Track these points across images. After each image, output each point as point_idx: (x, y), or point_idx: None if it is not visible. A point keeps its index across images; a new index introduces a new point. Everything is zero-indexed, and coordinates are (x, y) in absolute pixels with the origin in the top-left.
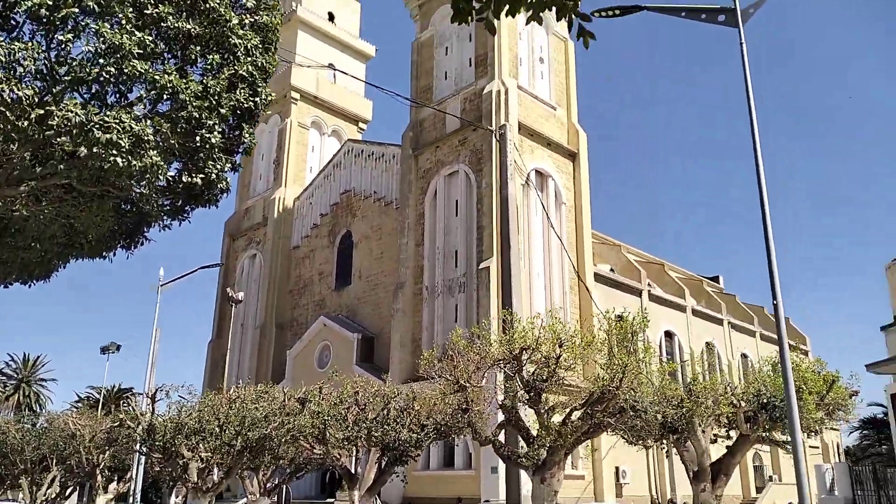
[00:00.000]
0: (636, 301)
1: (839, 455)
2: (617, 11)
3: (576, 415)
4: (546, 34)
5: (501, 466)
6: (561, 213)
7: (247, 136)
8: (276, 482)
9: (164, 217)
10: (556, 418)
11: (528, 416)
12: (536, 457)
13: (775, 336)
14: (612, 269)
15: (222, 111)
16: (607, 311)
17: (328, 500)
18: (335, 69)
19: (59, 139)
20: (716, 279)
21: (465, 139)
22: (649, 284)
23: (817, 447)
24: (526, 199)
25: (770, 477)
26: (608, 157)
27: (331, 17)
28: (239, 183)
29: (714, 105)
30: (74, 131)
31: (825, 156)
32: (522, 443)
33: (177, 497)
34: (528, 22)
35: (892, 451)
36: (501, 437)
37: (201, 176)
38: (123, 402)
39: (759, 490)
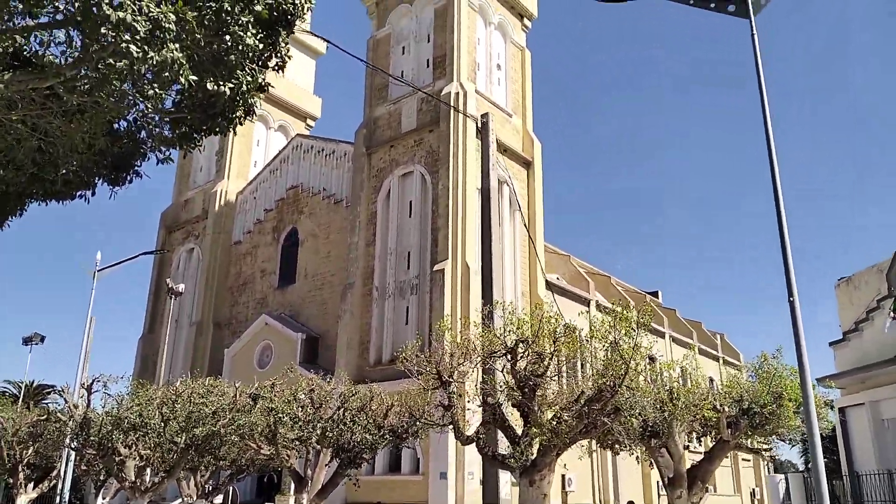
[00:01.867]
0: (584, 311)
1: (773, 469)
2: None
3: (567, 414)
4: (504, 42)
5: (451, 472)
6: (515, 220)
7: (282, 44)
8: (215, 484)
9: (167, 145)
10: (545, 417)
11: (511, 415)
12: (525, 457)
13: (713, 351)
14: (557, 279)
15: (257, 7)
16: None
17: None
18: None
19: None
20: (655, 294)
21: (421, 140)
22: (597, 295)
23: (749, 461)
24: (479, 202)
25: (707, 488)
26: (553, 166)
27: None
28: (178, 173)
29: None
30: (76, 4)
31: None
32: (504, 444)
33: (103, 498)
34: None
35: (837, 465)
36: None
37: (230, 85)
38: (51, 395)
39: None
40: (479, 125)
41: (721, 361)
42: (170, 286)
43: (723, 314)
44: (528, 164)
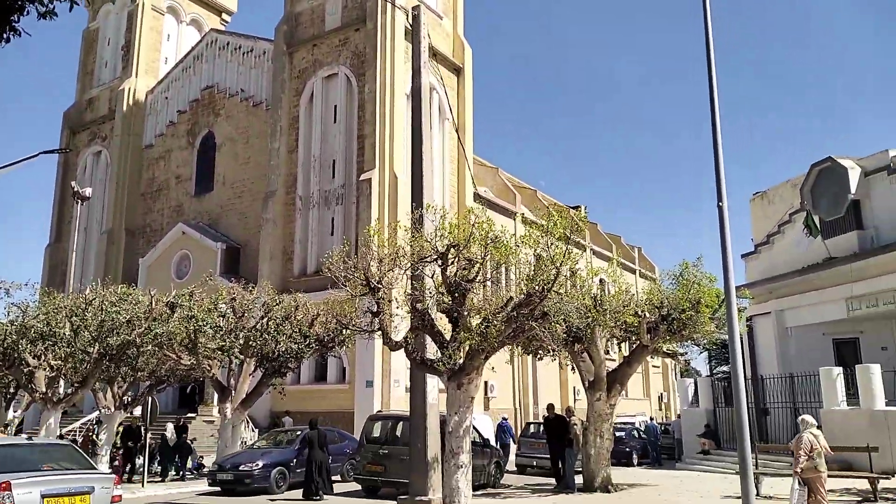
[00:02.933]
0: (511, 224)
1: (679, 375)
2: None
3: (496, 319)
4: None
5: (377, 380)
6: (444, 129)
7: None
8: (133, 395)
9: None
10: (474, 322)
11: (440, 320)
12: (453, 362)
13: (630, 264)
14: (485, 191)
15: None
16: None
17: (189, 415)
18: None
19: None
20: (577, 208)
21: (346, 39)
22: (523, 209)
23: (658, 367)
24: (408, 109)
25: (622, 391)
26: (489, 73)
27: None
28: (80, 70)
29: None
30: None
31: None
32: (432, 349)
33: (15, 411)
34: None
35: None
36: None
37: None
38: None
39: None
40: (410, 18)
41: (638, 274)
42: (75, 189)
43: (640, 229)
44: (458, 71)
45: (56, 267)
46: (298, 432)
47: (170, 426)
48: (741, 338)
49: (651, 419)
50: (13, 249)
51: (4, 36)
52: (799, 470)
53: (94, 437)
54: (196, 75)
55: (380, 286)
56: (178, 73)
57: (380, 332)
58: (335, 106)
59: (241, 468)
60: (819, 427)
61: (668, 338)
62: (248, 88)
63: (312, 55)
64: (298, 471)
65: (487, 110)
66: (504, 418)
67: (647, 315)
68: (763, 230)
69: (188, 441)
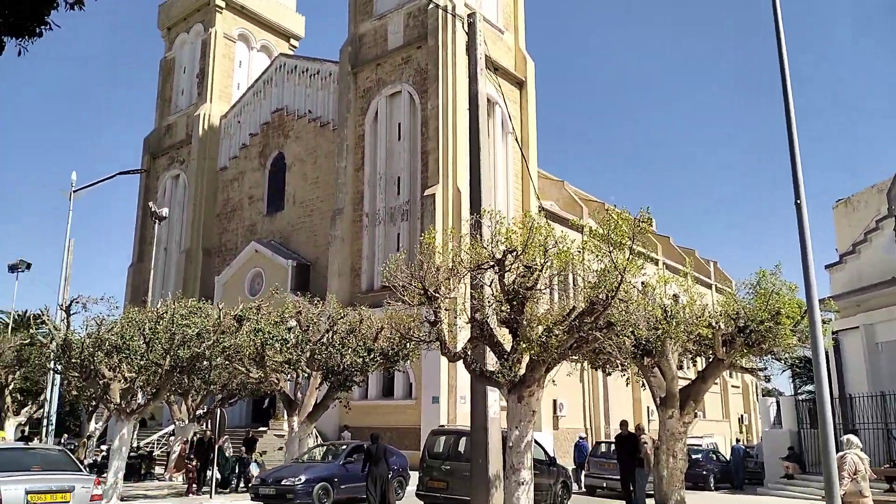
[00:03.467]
0: (578, 237)
1: (758, 395)
2: None
3: (558, 329)
4: None
5: (444, 395)
6: (508, 143)
7: None
8: (207, 409)
9: None
10: (535, 333)
11: (500, 331)
12: (513, 373)
13: (706, 279)
14: (551, 205)
15: None
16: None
17: (261, 429)
18: None
19: None
20: (649, 221)
21: (409, 57)
22: (590, 222)
23: (738, 387)
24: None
25: (696, 413)
26: (553, 87)
27: None
28: (159, 97)
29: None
30: None
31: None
32: (492, 360)
33: (97, 423)
34: None
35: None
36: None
37: None
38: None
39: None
40: (466, 26)
41: (714, 289)
42: (153, 210)
43: (716, 242)
44: (521, 85)
45: (138, 286)
46: (344, 446)
47: (228, 444)
48: (826, 353)
49: (737, 440)
50: (100, 270)
51: (37, 31)
52: (842, 493)
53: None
54: (266, 99)
55: (437, 295)
56: (249, 98)
57: (438, 343)
58: (399, 123)
59: (283, 483)
60: (862, 448)
61: (745, 351)
62: (315, 109)
63: (376, 74)
64: (343, 486)
65: (552, 123)
66: (581, 437)
67: (723, 327)
68: (847, 239)
69: (244, 455)
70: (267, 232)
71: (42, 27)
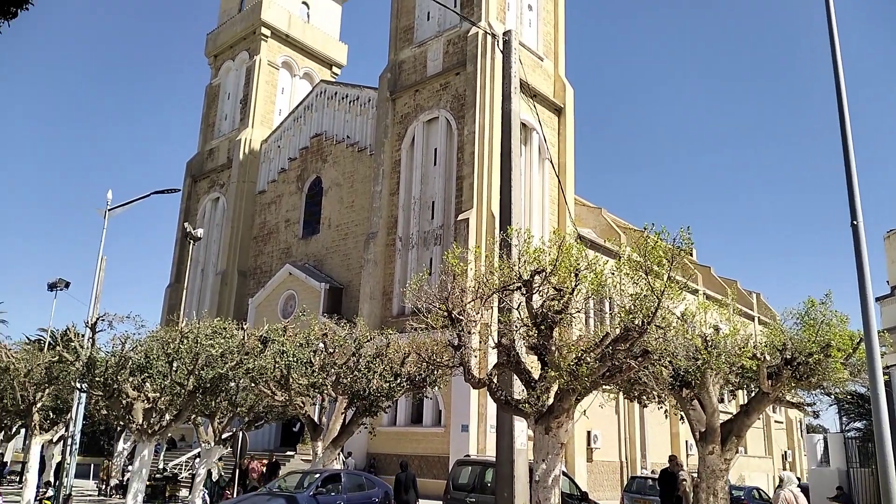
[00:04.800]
0: (613, 263)
1: (804, 432)
2: None
3: (589, 356)
4: None
5: (473, 424)
6: (544, 169)
7: None
8: (234, 431)
9: None
10: (565, 360)
11: (528, 357)
12: (541, 402)
13: (749, 311)
14: (588, 232)
15: None
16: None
17: (288, 452)
18: None
19: None
20: (690, 251)
21: (447, 84)
22: (631, 252)
23: (782, 422)
24: None
25: (738, 449)
26: (595, 115)
27: None
28: (203, 122)
29: (709, 66)
30: None
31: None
32: (519, 388)
33: (125, 443)
34: None
35: (869, 428)
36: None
37: None
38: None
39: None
40: (501, 45)
41: (756, 321)
42: (188, 231)
43: (760, 274)
44: (559, 111)
45: (175, 306)
46: (317, 475)
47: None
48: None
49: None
50: (142, 291)
51: (14, 9)
52: None
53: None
54: (306, 124)
55: (461, 318)
56: (289, 123)
57: (462, 368)
58: (435, 149)
59: None
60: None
61: (792, 385)
62: (353, 135)
63: (414, 100)
64: None
65: (592, 150)
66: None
67: (768, 358)
68: None
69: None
70: (302, 255)
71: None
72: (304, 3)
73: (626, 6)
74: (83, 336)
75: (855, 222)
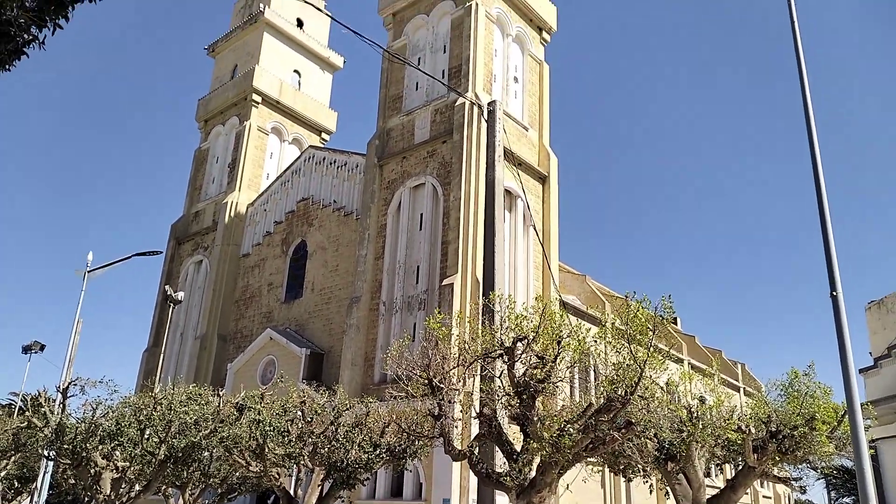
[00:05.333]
0: (596, 329)
1: None
2: None
3: (572, 427)
4: (522, 54)
5: (455, 498)
6: (528, 236)
7: None
8: (204, 503)
9: (36, 21)
10: (547, 431)
11: (510, 428)
12: (523, 476)
13: (734, 381)
14: (573, 300)
15: None
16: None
17: None
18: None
19: None
20: (674, 320)
21: (433, 151)
22: (615, 318)
23: (770, 498)
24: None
25: None
26: (579, 183)
27: (299, 24)
28: (190, 185)
29: (687, 131)
30: None
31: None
32: (501, 461)
33: None
34: None
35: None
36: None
37: None
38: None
39: None
40: (486, 114)
41: (742, 392)
42: (168, 294)
43: (744, 344)
44: (543, 179)
45: (151, 371)
46: None
47: None
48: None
49: None
50: (119, 355)
51: (52, 28)
52: None
53: None
54: (293, 188)
55: (441, 386)
56: (277, 187)
57: (442, 439)
58: (421, 214)
59: None
60: None
61: (778, 459)
62: (340, 199)
63: (401, 167)
64: None
65: (576, 218)
66: None
67: (753, 431)
68: (882, 343)
69: None
70: (283, 319)
71: (14, 57)
72: (296, 71)
73: (607, 79)
74: (54, 401)
75: (834, 293)
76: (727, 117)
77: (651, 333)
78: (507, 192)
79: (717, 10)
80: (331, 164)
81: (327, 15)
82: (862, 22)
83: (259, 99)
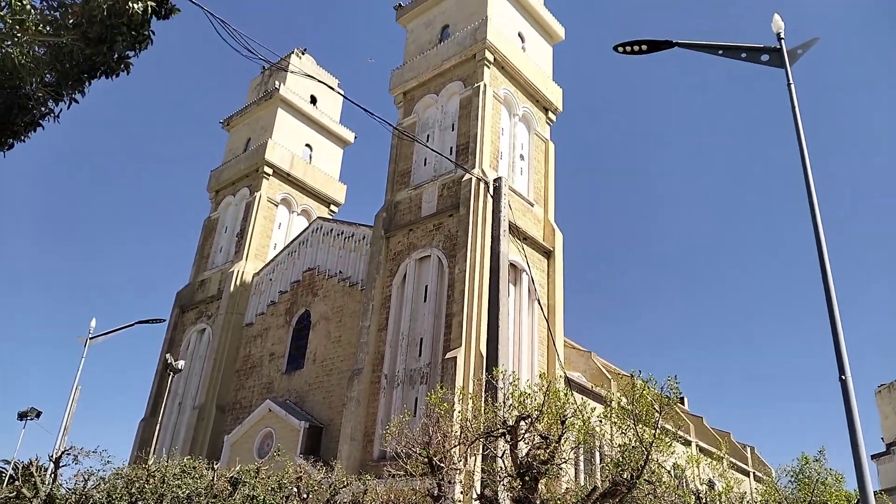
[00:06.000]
0: (600, 408)
1: None
2: (644, 47)
3: None
4: (528, 133)
5: None
6: (533, 311)
7: None
8: None
9: (53, 95)
10: None
11: None
12: None
13: (743, 465)
14: (578, 377)
15: None
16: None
17: None
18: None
19: None
20: (682, 400)
21: (440, 224)
22: (620, 397)
23: None
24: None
25: None
26: (582, 258)
27: (313, 100)
28: (198, 254)
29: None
30: None
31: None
32: None
33: None
34: None
35: None
36: None
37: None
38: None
39: None
40: (492, 189)
41: (752, 476)
42: (169, 362)
43: (753, 426)
44: (548, 254)
45: (147, 441)
46: None
47: None
48: None
49: None
50: (117, 423)
51: (68, 102)
52: None
53: None
54: (300, 258)
55: (442, 465)
56: (283, 257)
57: None
58: (426, 286)
59: None
60: None
61: None
62: (345, 270)
63: (408, 239)
64: None
65: (583, 294)
66: None
67: None
68: (894, 427)
69: None
70: (284, 390)
71: (26, 127)
72: (308, 145)
73: (614, 156)
74: (46, 470)
75: (843, 377)
76: (733, 187)
77: (658, 414)
78: (513, 266)
79: (719, 76)
80: (338, 235)
81: (340, 94)
82: None
83: (270, 171)
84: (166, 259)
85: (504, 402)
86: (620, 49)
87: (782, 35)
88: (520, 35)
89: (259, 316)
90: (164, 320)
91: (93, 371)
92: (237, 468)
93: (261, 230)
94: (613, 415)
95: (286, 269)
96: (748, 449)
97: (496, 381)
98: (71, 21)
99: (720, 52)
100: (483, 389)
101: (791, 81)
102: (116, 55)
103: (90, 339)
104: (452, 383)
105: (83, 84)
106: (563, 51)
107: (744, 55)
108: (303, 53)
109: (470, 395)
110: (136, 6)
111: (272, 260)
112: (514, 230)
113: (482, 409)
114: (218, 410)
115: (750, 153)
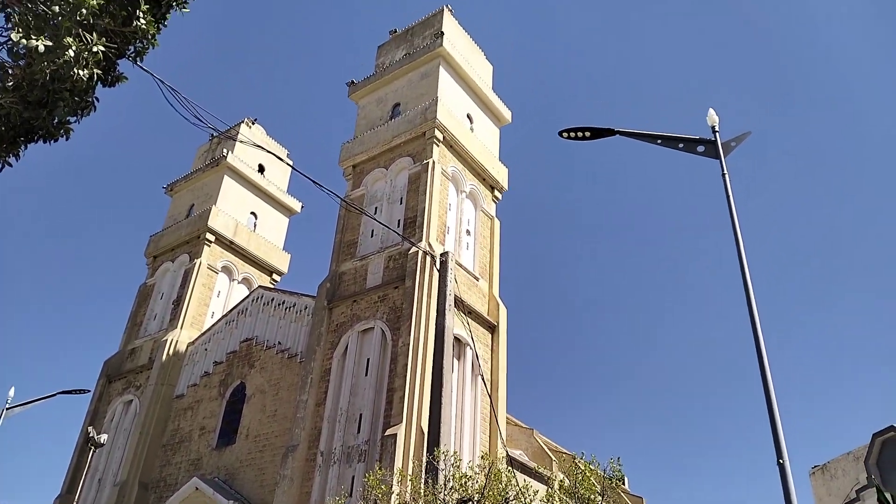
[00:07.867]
0: (543, 489)
1: None
2: (587, 133)
3: None
4: (474, 209)
5: None
6: (476, 386)
7: None
8: None
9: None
10: None
11: None
12: None
13: None
14: (520, 454)
15: None
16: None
17: None
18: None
19: None
20: (622, 480)
21: (385, 296)
22: (563, 479)
23: None
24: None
25: None
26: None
27: (261, 169)
28: (129, 321)
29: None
30: None
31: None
32: None
33: None
34: None
35: None
36: None
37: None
38: None
39: None
40: (439, 264)
41: None
42: (90, 435)
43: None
44: (493, 329)
45: None
46: None
47: None
48: None
49: None
50: (29, 500)
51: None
52: None
53: None
54: (238, 328)
55: None
56: (221, 326)
57: None
58: (368, 359)
59: None
60: None
61: None
62: (284, 341)
63: (351, 310)
64: None
65: (525, 369)
66: None
67: None
68: None
69: None
70: (213, 467)
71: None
72: (253, 213)
73: (557, 233)
74: None
75: (781, 461)
76: (674, 269)
77: (601, 498)
78: (457, 340)
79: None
80: (279, 304)
81: (288, 164)
82: None
83: (213, 238)
84: (94, 326)
85: (445, 485)
86: (565, 135)
87: (717, 128)
88: (468, 116)
89: (191, 387)
90: (89, 391)
91: (8, 443)
92: None
93: (199, 298)
94: (556, 497)
95: (223, 338)
96: None
97: (437, 462)
98: (11, 83)
99: (658, 141)
100: (423, 470)
101: (725, 172)
102: (57, 120)
103: (7, 409)
104: (392, 462)
105: (18, 147)
106: (509, 133)
107: (681, 145)
108: (253, 123)
109: (409, 476)
110: (81, 73)
111: (209, 329)
112: (460, 304)
113: (422, 491)
114: (140, 488)
115: (690, 234)
